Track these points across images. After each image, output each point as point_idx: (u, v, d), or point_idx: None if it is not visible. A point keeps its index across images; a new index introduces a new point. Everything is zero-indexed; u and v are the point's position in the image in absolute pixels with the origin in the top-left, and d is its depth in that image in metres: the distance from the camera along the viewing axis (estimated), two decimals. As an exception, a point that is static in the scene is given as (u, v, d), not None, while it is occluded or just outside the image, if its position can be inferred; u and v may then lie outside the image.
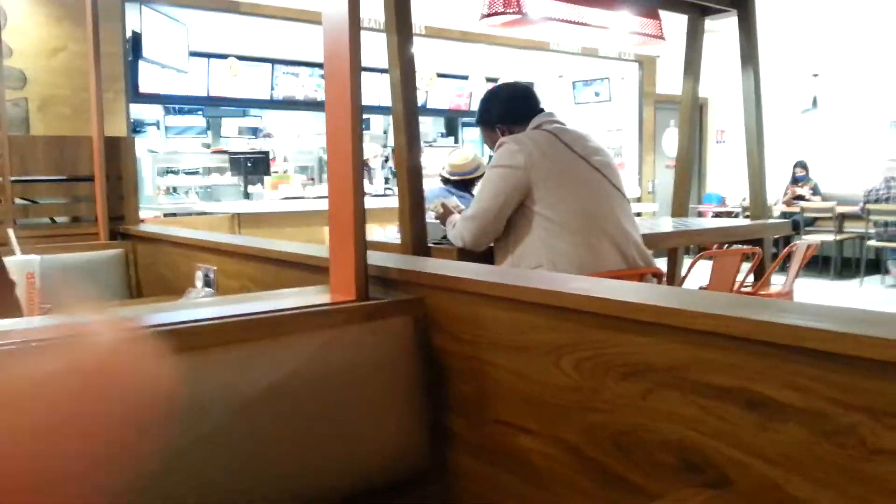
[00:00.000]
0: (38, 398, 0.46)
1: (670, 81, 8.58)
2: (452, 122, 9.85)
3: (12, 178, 2.79)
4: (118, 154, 3.00)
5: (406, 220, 2.25)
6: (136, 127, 7.52)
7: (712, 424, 0.85)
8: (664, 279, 2.29)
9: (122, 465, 0.50)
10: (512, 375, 1.12)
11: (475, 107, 8.83)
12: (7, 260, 1.77)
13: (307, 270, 1.71)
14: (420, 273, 1.29)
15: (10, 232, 1.85)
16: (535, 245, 2.08)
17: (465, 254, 2.24)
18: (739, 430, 0.82)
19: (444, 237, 2.40)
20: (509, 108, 2.33)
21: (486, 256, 2.27)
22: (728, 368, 0.84)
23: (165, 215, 5.63)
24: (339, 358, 1.16)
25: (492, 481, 1.18)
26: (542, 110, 2.33)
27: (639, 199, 8.74)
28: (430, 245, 2.38)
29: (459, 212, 2.38)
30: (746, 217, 4.68)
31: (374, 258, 1.35)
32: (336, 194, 1.29)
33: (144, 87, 6.38)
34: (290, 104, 7.61)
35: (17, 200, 2.85)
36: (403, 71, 2.24)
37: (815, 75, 8.53)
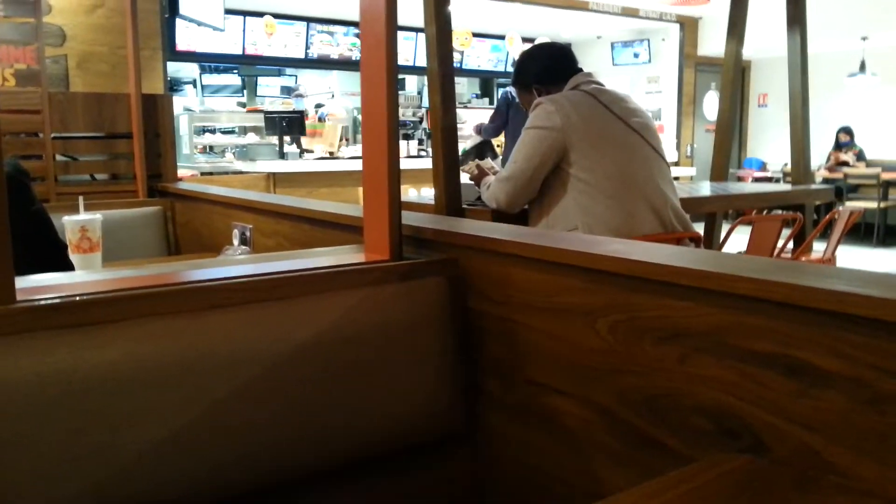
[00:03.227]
0: None
1: (712, 43, 8.36)
2: (487, 83, 9.75)
3: (53, 135, 2.83)
4: (156, 112, 3.03)
5: (440, 182, 2.24)
6: (174, 85, 7.57)
7: (750, 390, 0.84)
8: (702, 244, 2.26)
9: None
10: (545, 337, 1.12)
11: (511, 67, 8.71)
12: (72, 218, 1.82)
13: (342, 230, 1.71)
14: (454, 233, 1.29)
15: (80, 199, 1.95)
16: (571, 208, 2.06)
17: (499, 215, 2.22)
18: (778, 396, 0.81)
19: (479, 199, 2.38)
20: (546, 68, 2.29)
21: (521, 218, 2.26)
22: (768, 333, 0.82)
23: (202, 174, 5.69)
24: (373, 317, 1.17)
25: (524, 442, 1.18)
26: (579, 70, 2.29)
27: (677, 163, 8.59)
28: (464, 206, 2.37)
29: (494, 173, 2.36)
30: (788, 183, 4.57)
31: (408, 218, 1.35)
32: (371, 154, 1.29)
33: (181, 44, 6.40)
34: (324, 63, 7.58)
35: (58, 157, 2.90)
36: (439, 29, 2.20)
37: (864, 38, 8.22)
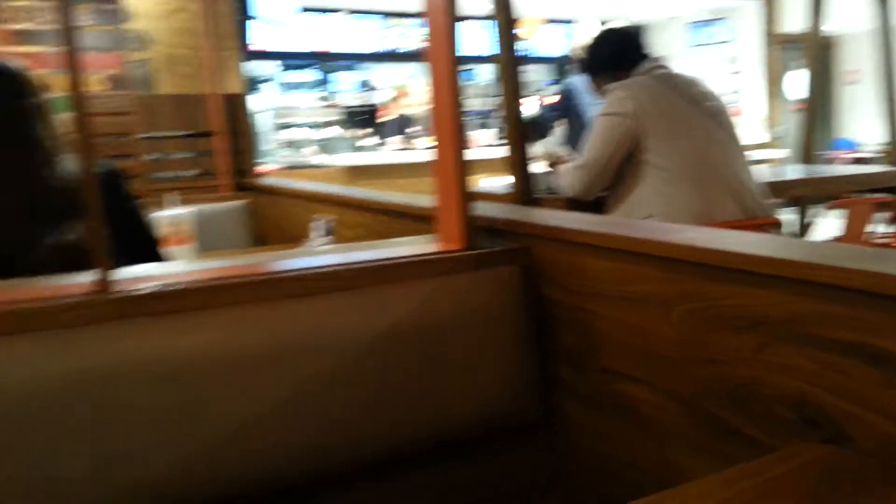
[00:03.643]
0: None
1: (795, 19, 8.00)
2: (561, 69, 9.62)
3: (142, 135, 2.98)
4: (236, 110, 3.14)
5: (513, 170, 2.24)
6: (254, 83, 7.79)
7: (832, 379, 0.82)
8: (781, 230, 2.18)
9: None
10: (619, 326, 1.11)
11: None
12: (165, 213, 1.93)
13: (418, 221, 1.74)
14: (526, 223, 1.29)
15: (175, 196, 2.08)
16: (647, 194, 2.03)
17: (574, 204, 2.21)
18: (861, 385, 0.79)
19: (553, 187, 2.37)
20: (615, 55, 2.25)
21: (596, 206, 2.24)
22: (850, 322, 0.80)
23: (284, 168, 5.84)
24: (447, 305, 1.19)
25: (600, 430, 1.19)
26: (648, 55, 2.24)
27: (763, 146, 8.28)
28: (538, 196, 2.36)
29: (569, 161, 2.34)
30: (883, 164, 4.35)
31: (481, 208, 1.36)
32: (440, 145, 1.31)
33: (256, 44, 6.58)
34: (397, 56, 7.65)
35: (148, 156, 3.05)
36: (506, 17, 2.20)
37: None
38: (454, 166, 1.25)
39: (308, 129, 7.52)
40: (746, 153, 2.20)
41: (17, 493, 0.91)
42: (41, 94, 1.40)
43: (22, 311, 0.95)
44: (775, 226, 2.12)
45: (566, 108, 4.74)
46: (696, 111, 2.07)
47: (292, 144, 7.30)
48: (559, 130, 4.38)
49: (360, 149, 6.84)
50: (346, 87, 8.66)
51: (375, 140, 7.31)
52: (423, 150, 6.58)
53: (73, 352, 0.95)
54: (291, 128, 7.44)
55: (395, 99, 6.76)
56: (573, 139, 4.64)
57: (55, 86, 2.83)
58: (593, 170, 2.11)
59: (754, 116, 8.47)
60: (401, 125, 7.61)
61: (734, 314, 0.93)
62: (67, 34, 0.99)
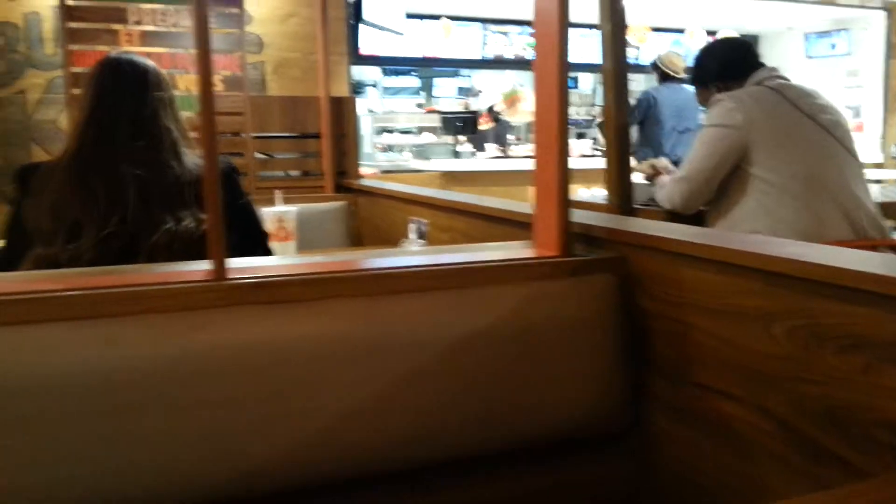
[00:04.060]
0: None
1: (925, 30, 7.53)
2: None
3: (252, 135, 3.13)
4: (342, 113, 3.24)
5: (612, 180, 2.22)
6: (357, 88, 8.00)
7: (943, 406, 0.78)
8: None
9: None
10: (716, 339, 1.09)
11: (691, 63, 8.36)
12: (270, 210, 2.04)
13: (513, 226, 1.76)
14: (624, 232, 1.29)
15: (277, 193, 2.18)
16: (752, 210, 1.97)
17: (673, 217, 2.17)
18: (975, 414, 0.75)
19: (652, 199, 2.34)
20: (726, 64, 2.20)
21: (696, 221, 2.19)
22: (966, 347, 0.76)
23: (382, 172, 5.98)
24: (541, 311, 1.20)
25: (690, 444, 1.17)
26: (762, 65, 2.18)
27: (881, 165, 7.83)
28: (636, 206, 2.33)
29: (669, 172, 2.31)
30: None
31: (578, 216, 1.37)
32: (542, 151, 1.32)
33: (364, 49, 6.75)
34: (499, 63, 7.68)
35: (257, 154, 3.19)
36: (614, 25, 2.18)
37: None
38: (556, 172, 1.26)
39: (406, 134, 7.66)
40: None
41: (125, 469, 0.97)
42: (170, 89, 1.51)
43: (140, 294, 1.02)
44: (891, 248, 2.01)
45: (644, 116, 4.66)
46: (811, 124, 1.99)
47: (390, 149, 7.45)
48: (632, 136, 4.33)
49: (457, 155, 6.91)
50: (446, 94, 8.78)
51: (472, 147, 7.37)
52: (519, 158, 6.58)
53: (186, 335, 1.01)
54: (392, 132, 7.60)
55: (509, 103, 6.76)
56: (645, 148, 4.56)
57: (180, 85, 3.01)
58: (695, 182, 2.06)
59: (874, 134, 8.02)
60: (498, 133, 7.65)
61: (838, 333, 0.90)
62: (201, 37, 1.06)
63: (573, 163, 1.31)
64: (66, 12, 2.80)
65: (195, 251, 1.39)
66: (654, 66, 4.70)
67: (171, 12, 3.00)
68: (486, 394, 1.15)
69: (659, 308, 1.21)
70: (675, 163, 2.43)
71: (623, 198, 2.13)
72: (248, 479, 1.02)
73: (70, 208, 1.36)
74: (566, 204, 1.28)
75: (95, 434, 0.95)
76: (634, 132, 4.69)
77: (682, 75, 4.55)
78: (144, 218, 1.38)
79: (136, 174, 1.39)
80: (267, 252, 1.58)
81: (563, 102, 1.25)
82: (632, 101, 5.09)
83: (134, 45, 2.88)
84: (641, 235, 1.24)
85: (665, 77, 4.61)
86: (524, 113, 6.62)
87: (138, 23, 2.85)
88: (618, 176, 2.20)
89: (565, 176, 1.27)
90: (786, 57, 8.31)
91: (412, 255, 1.40)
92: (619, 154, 2.25)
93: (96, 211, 1.36)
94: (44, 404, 0.94)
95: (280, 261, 1.25)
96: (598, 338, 1.23)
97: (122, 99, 1.43)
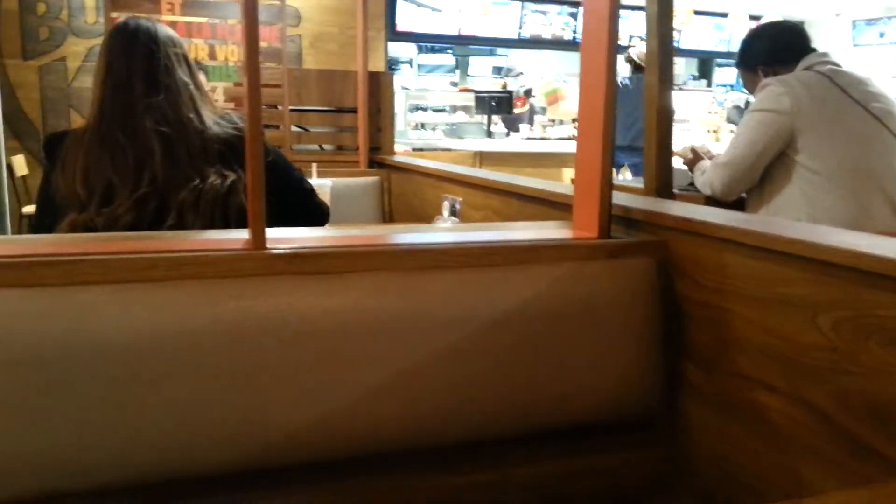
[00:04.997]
0: None
1: (980, 20, 7.27)
2: (706, 64, 9.23)
3: (290, 108, 3.13)
4: (378, 88, 3.23)
5: (651, 164, 2.18)
6: (392, 65, 7.97)
7: None
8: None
9: None
10: (757, 328, 1.07)
11: (733, 48, 8.16)
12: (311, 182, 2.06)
13: (549, 206, 1.74)
14: (665, 215, 1.26)
15: (314, 166, 2.18)
16: (795, 198, 1.92)
17: (712, 203, 2.13)
18: None
19: (691, 184, 2.29)
20: (775, 48, 2.13)
21: (737, 207, 2.15)
22: None
23: (413, 150, 5.97)
24: (578, 292, 1.19)
25: (723, 434, 1.15)
26: (812, 50, 2.11)
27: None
28: (675, 192, 2.29)
29: (710, 157, 2.26)
30: None
31: (617, 198, 1.35)
32: (586, 131, 1.30)
33: (401, 25, 6.71)
34: (536, 43, 7.59)
35: (293, 127, 3.19)
36: (661, 6, 2.13)
37: None
38: (600, 151, 1.24)
39: (439, 112, 7.62)
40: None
41: (153, 435, 0.98)
42: (184, 48, 1.51)
43: (178, 260, 1.03)
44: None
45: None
46: (862, 112, 1.93)
47: (422, 126, 7.43)
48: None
49: (490, 135, 6.86)
50: (481, 73, 8.70)
51: (505, 127, 7.32)
52: (553, 140, 6.51)
53: (222, 303, 1.02)
54: (425, 111, 7.57)
55: (551, 100, 6.70)
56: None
57: (219, 55, 3.01)
58: (738, 168, 2.02)
59: (918, 125, 7.79)
60: (531, 114, 7.58)
61: (888, 326, 0.88)
62: (248, 6, 1.05)
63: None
64: (110, -21, 2.81)
65: (222, 209, 1.39)
66: (628, 60, 4.74)
67: (212, -18, 3.00)
68: (518, 374, 1.14)
69: (698, 294, 1.18)
70: (633, 148, 2.38)
71: (662, 182, 2.09)
72: (275, 449, 1.03)
73: (101, 171, 1.36)
74: (609, 185, 1.26)
75: (127, 399, 0.96)
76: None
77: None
78: (171, 175, 1.38)
79: (158, 130, 1.39)
80: (317, 206, 1.62)
81: (611, 81, 1.22)
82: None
83: (175, 13, 2.89)
84: (684, 220, 1.21)
85: (637, 68, 4.66)
86: (566, 112, 6.55)
87: (178, -8, 2.85)
88: (657, 159, 2.15)
89: (610, 156, 1.25)
90: (832, 44, 8.09)
91: (449, 231, 1.39)
92: (660, 137, 2.20)
93: (127, 169, 1.36)
94: (78, 368, 0.95)
95: (317, 232, 1.25)
96: (635, 321, 1.21)
97: (134, 58, 1.43)
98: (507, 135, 6.89)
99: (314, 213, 1.66)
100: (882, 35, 8.03)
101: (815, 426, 0.98)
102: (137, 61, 1.43)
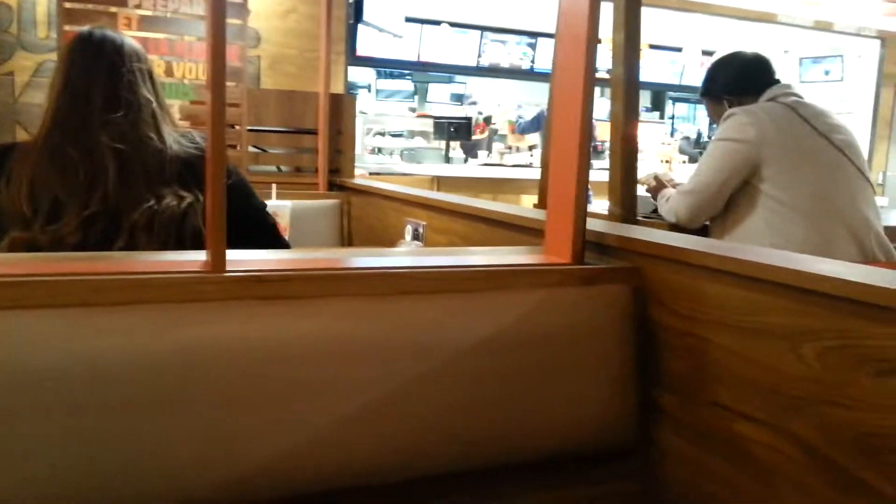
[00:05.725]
0: None
1: (917, 61, 7.61)
2: (659, 96, 9.45)
3: (248, 128, 3.05)
4: (339, 111, 3.18)
5: (617, 191, 2.18)
6: (350, 89, 7.94)
7: None
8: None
9: None
10: (736, 358, 1.04)
11: (687, 81, 8.34)
12: (268, 204, 1.99)
13: (516, 231, 1.71)
14: (640, 241, 1.24)
15: (273, 186, 2.14)
16: (759, 227, 1.93)
17: (677, 230, 2.13)
18: None
19: (654, 211, 2.30)
20: (740, 78, 2.16)
21: (700, 235, 2.15)
22: None
23: (370, 174, 5.92)
24: (551, 319, 1.15)
25: (701, 465, 1.12)
26: (777, 81, 2.15)
27: (864, 191, 7.87)
28: (638, 219, 2.29)
29: (674, 185, 2.27)
30: None
31: (588, 224, 1.32)
32: (560, 155, 1.27)
33: (362, 50, 6.70)
34: (495, 71, 7.66)
35: (250, 148, 3.12)
36: (628, 35, 2.14)
37: None
38: (574, 175, 1.21)
39: (397, 137, 7.61)
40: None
41: (109, 468, 0.91)
42: (149, 63, 1.44)
43: (133, 282, 0.96)
44: (896, 271, 1.98)
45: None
46: (825, 143, 1.96)
47: (379, 151, 7.40)
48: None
49: (449, 160, 6.86)
50: (439, 99, 8.73)
51: (463, 153, 7.33)
52: (510, 166, 6.54)
53: (180, 328, 0.95)
54: (383, 135, 7.54)
55: (511, 129, 6.77)
56: None
57: (176, 73, 2.93)
58: (702, 196, 2.03)
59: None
60: (489, 141, 7.62)
61: (876, 356, 0.86)
62: (215, 23, 1.00)
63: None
64: (63, -8, 2.72)
65: (176, 231, 1.32)
66: None
67: (171, -3, 2.93)
68: (494, 403, 1.10)
69: (674, 321, 1.16)
70: None
71: (627, 208, 2.09)
72: (240, 484, 0.95)
73: (49, 186, 1.28)
74: (583, 209, 1.23)
75: (78, 431, 0.88)
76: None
77: None
78: (125, 194, 1.31)
79: (114, 147, 1.32)
80: (272, 231, 1.54)
81: (588, 106, 1.20)
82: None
83: (132, 29, 2.80)
84: (660, 245, 1.19)
85: None
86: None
87: (138, 6, 2.77)
88: (622, 186, 2.15)
89: (584, 179, 1.22)
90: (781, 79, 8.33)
91: (417, 255, 1.34)
92: (624, 164, 2.20)
93: (77, 186, 1.28)
94: (23, 398, 0.87)
95: (280, 255, 1.19)
96: (609, 349, 1.18)
97: (97, 69, 1.36)
98: (466, 160, 6.90)
99: (275, 247, 1.57)
100: (827, 73, 8.33)
101: (800, 459, 0.95)
102: (99, 73, 1.36)
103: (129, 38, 1.45)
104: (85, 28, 1.45)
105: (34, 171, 1.29)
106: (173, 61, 2.93)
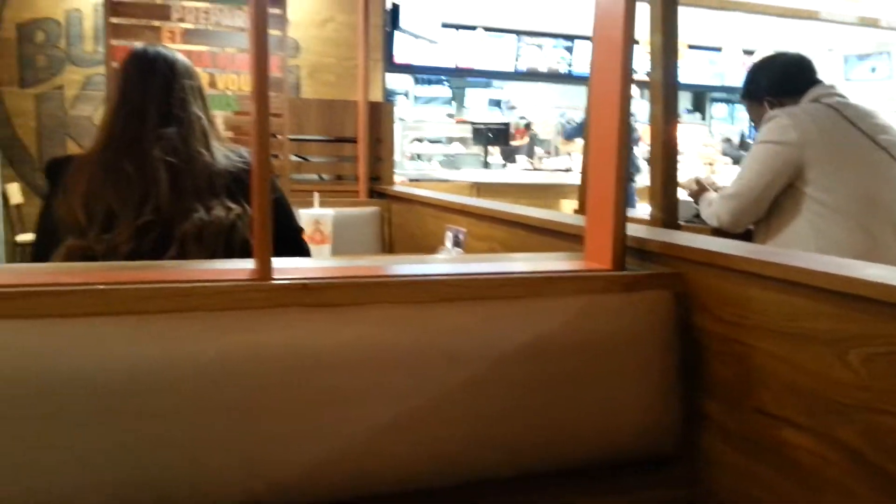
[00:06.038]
0: None
1: (970, 56, 7.37)
2: (700, 98, 9.32)
3: (290, 137, 3.11)
4: (379, 118, 3.22)
5: (658, 196, 2.16)
6: (388, 96, 8.01)
7: None
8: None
9: None
10: (781, 364, 1.03)
11: (727, 82, 8.22)
12: (307, 212, 2.02)
13: (556, 237, 1.71)
14: (682, 247, 1.23)
15: (316, 195, 2.16)
16: (803, 230, 1.90)
17: (720, 235, 2.11)
18: None
19: (696, 216, 2.27)
20: (782, 79, 2.13)
21: (744, 239, 2.12)
22: None
23: (410, 180, 5.96)
24: (592, 326, 1.15)
25: (746, 472, 1.10)
26: (819, 82, 2.11)
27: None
28: (680, 223, 2.27)
29: (716, 189, 2.24)
30: None
31: (629, 229, 1.32)
32: (598, 161, 1.27)
33: (399, 57, 6.75)
34: (532, 76, 7.65)
35: (292, 157, 3.17)
36: (666, 36, 2.13)
37: None
38: (614, 181, 1.21)
39: (435, 143, 7.64)
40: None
41: (155, 473, 0.93)
42: (199, 80, 1.49)
43: (182, 291, 0.99)
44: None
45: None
46: (870, 144, 1.92)
47: (418, 157, 7.44)
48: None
49: (487, 166, 6.87)
50: (477, 104, 8.75)
51: (502, 159, 7.34)
52: (549, 171, 6.53)
53: (226, 335, 0.97)
54: (421, 142, 7.59)
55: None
56: None
57: (219, 84, 3.00)
58: (745, 200, 2.00)
59: (911, 159, 7.84)
60: (529, 146, 7.61)
61: (925, 363, 0.84)
62: (258, 36, 1.03)
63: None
64: (111, 7, 2.81)
65: (224, 241, 1.36)
66: None
67: (213, 10, 3.00)
68: (532, 410, 1.10)
69: (718, 327, 1.15)
70: None
71: (669, 213, 2.07)
72: (281, 489, 0.98)
73: (103, 197, 1.33)
74: (623, 215, 1.23)
75: (126, 435, 0.92)
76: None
77: None
78: (176, 206, 1.35)
79: (167, 160, 1.36)
80: (305, 249, 1.56)
81: (625, 109, 1.20)
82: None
83: (176, 42, 2.88)
84: (702, 251, 1.18)
85: None
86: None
87: (181, 20, 2.84)
88: (663, 190, 2.13)
89: (623, 185, 1.22)
90: (824, 79, 8.16)
91: (458, 262, 1.36)
92: (664, 168, 2.19)
93: (130, 198, 1.33)
94: (76, 403, 0.90)
95: (324, 263, 1.22)
96: (652, 356, 1.17)
97: (151, 86, 1.42)
98: (504, 166, 6.90)
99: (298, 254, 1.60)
100: (873, 70, 8.13)
101: (846, 465, 0.94)
102: (153, 90, 1.41)
103: (181, 55, 1.50)
104: (139, 45, 1.50)
105: (90, 182, 1.34)
106: (216, 73, 3.00)
